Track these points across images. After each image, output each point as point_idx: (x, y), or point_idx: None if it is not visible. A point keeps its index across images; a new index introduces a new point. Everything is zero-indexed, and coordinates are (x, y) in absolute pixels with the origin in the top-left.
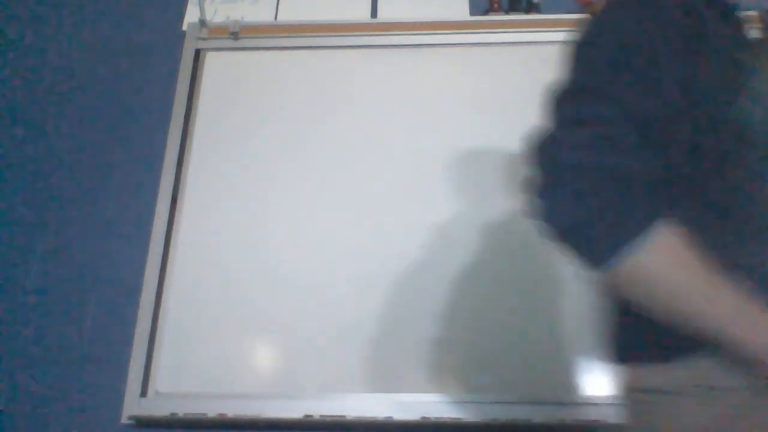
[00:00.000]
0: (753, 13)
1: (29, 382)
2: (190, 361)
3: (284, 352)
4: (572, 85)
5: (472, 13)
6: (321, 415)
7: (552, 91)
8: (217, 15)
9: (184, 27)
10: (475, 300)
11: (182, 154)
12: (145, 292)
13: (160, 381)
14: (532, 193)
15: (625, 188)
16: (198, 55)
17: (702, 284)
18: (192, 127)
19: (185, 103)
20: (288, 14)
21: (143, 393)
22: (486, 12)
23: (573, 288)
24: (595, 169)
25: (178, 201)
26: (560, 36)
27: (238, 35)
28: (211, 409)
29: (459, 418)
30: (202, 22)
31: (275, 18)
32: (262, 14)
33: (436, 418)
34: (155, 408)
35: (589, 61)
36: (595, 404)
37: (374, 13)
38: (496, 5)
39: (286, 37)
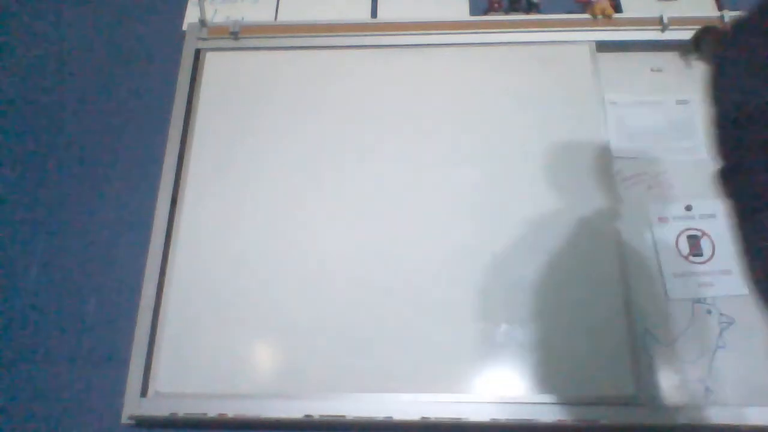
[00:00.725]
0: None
1: (29, 382)
2: (190, 361)
3: (284, 352)
4: (758, 106)
5: (472, 13)
6: (321, 415)
7: (726, 113)
8: (217, 15)
9: (184, 27)
10: (475, 300)
11: (182, 154)
12: (145, 292)
13: (160, 381)
14: (733, 215)
15: None
16: (198, 55)
17: None
18: (192, 127)
19: (185, 103)
20: (288, 14)
21: (143, 393)
22: (486, 12)
23: (574, 287)
24: None
25: (178, 201)
26: (560, 36)
27: (238, 35)
28: (211, 409)
29: (459, 418)
30: (202, 22)
31: (275, 18)
32: (262, 14)
33: (436, 418)
34: (155, 408)
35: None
36: (596, 404)
37: (374, 13)
38: (496, 5)
39: (286, 37)
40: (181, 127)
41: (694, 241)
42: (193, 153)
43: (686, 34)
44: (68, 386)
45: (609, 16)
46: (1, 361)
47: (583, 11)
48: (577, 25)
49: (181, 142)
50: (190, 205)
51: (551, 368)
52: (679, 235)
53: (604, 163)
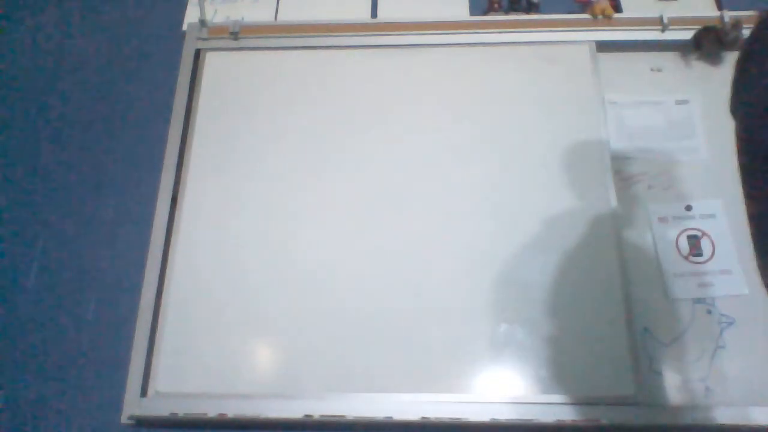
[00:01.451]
0: (751, 13)
1: (29, 382)
2: (190, 361)
3: (284, 352)
4: None
5: (472, 13)
6: (321, 415)
7: (753, 111)
8: (217, 15)
9: (184, 27)
10: (475, 300)
11: (182, 154)
12: (145, 292)
13: (160, 381)
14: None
15: None
16: (198, 55)
17: None
18: (192, 127)
19: (185, 103)
20: (288, 14)
21: (143, 393)
22: (486, 12)
23: (574, 287)
24: None
25: (178, 201)
26: (560, 36)
27: (238, 35)
28: (211, 409)
29: (459, 418)
30: (202, 22)
31: (275, 18)
32: (262, 14)
33: (436, 418)
34: (155, 408)
35: None
36: (596, 404)
37: (374, 13)
38: (496, 5)
39: (286, 37)
40: (181, 127)
41: (694, 241)
42: (193, 153)
43: (686, 34)
44: (68, 386)
45: (609, 16)
46: (2, 362)
47: (583, 11)
48: (577, 25)
49: (181, 142)
50: (190, 204)
51: (551, 368)
52: (679, 235)
53: (604, 163)
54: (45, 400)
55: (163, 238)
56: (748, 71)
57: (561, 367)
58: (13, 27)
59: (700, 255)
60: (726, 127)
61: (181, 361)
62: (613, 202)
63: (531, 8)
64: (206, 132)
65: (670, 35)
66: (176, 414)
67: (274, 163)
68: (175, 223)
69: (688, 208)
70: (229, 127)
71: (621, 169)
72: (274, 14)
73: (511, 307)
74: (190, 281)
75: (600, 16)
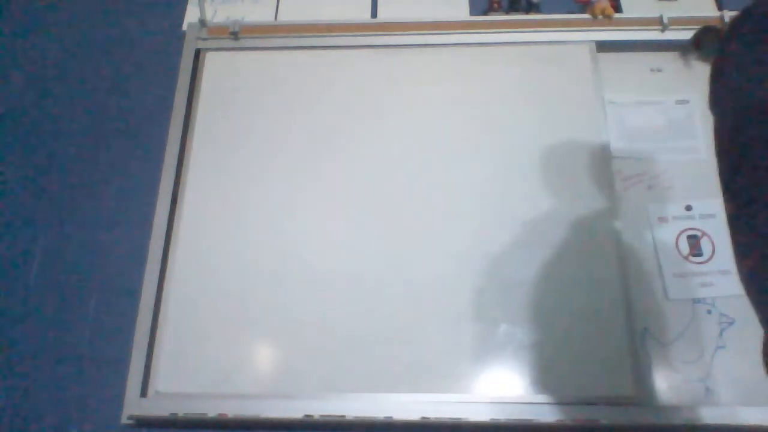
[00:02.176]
0: None
1: (29, 382)
2: (190, 361)
3: (284, 352)
4: (760, 101)
5: (472, 13)
6: (321, 415)
7: (728, 110)
8: (217, 15)
9: (184, 27)
10: (475, 300)
11: (182, 154)
12: (145, 292)
13: (160, 381)
14: (732, 214)
15: None
16: (198, 55)
17: None
18: (192, 127)
19: (185, 103)
20: (288, 14)
21: (143, 393)
22: (486, 12)
23: (574, 287)
24: None
25: (178, 201)
26: (560, 36)
27: (238, 35)
28: (211, 409)
29: (459, 418)
30: (202, 22)
31: (275, 18)
32: (262, 14)
33: (436, 418)
34: (155, 408)
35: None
36: (596, 404)
37: (374, 13)
38: (496, 5)
39: (286, 37)
40: (181, 127)
41: (694, 241)
42: (193, 153)
43: (686, 34)
44: (68, 386)
45: (609, 16)
46: (2, 361)
47: (583, 11)
48: (577, 25)
49: (181, 142)
50: (190, 204)
51: (551, 368)
52: (679, 235)
53: (604, 163)
54: (45, 400)
55: (163, 238)
56: (723, 70)
57: (561, 367)
58: (12, 27)
59: (700, 255)
60: None
61: (181, 361)
62: (613, 202)
63: (531, 8)
64: (206, 132)
65: (670, 35)
66: (176, 414)
67: (274, 163)
68: (175, 223)
69: (688, 208)
70: (229, 127)
71: (621, 169)
72: (274, 14)
73: (512, 307)
74: (190, 281)
75: (600, 16)
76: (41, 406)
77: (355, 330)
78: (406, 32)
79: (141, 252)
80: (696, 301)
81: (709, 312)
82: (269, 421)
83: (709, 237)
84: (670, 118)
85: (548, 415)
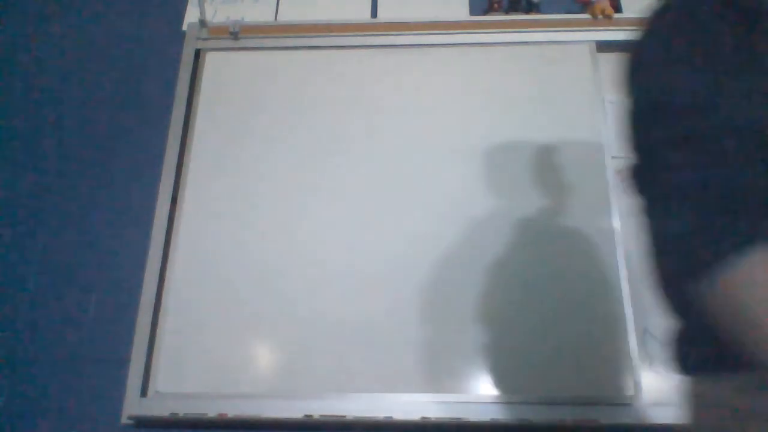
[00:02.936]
0: None
1: (29, 382)
2: (190, 361)
3: (284, 352)
4: (667, 101)
5: (472, 13)
6: (321, 415)
7: (638, 108)
8: (217, 15)
9: (184, 27)
10: (476, 300)
11: (182, 154)
12: (145, 292)
13: (160, 381)
14: (642, 212)
15: (729, 204)
16: (198, 55)
17: None
18: (192, 127)
19: (185, 103)
20: (288, 14)
21: (143, 393)
22: (486, 12)
23: (574, 288)
24: (701, 187)
25: (178, 201)
26: (560, 36)
27: (238, 35)
28: (211, 409)
29: (459, 418)
30: (202, 22)
31: (275, 18)
32: (262, 14)
33: (436, 418)
34: (155, 408)
35: (675, 73)
36: (596, 404)
37: (374, 13)
38: (496, 5)
39: (286, 37)
40: (181, 127)
41: None
42: (193, 153)
43: None
44: (68, 386)
45: (609, 16)
46: (2, 361)
47: (583, 11)
48: (577, 25)
49: (181, 142)
50: (190, 204)
51: (552, 368)
52: None
53: (604, 163)
54: (45, 400)
55: (163, 238)
56: (636, 65)
57: (561, 368)
58: (13, 28)
59: None
60: None
61: (181, 361)
62: (613, 201)
63: (531, 8)
64: (206, 132)
65: None
66: (176, 414)
67: (274, 163)
68: (175, 223)
69: None
70: (229, 127)
71: (621, 169)
72: (274, 14)
73: (512, 307)
74: (190, 281)
75: (600, 16)
76: (41, 406)
77: (355, 330)
78: (406, 32)
79: (141, 252)
80: None
81: None
82: (269, 421)
83: None
84: None
85: (548, 415)
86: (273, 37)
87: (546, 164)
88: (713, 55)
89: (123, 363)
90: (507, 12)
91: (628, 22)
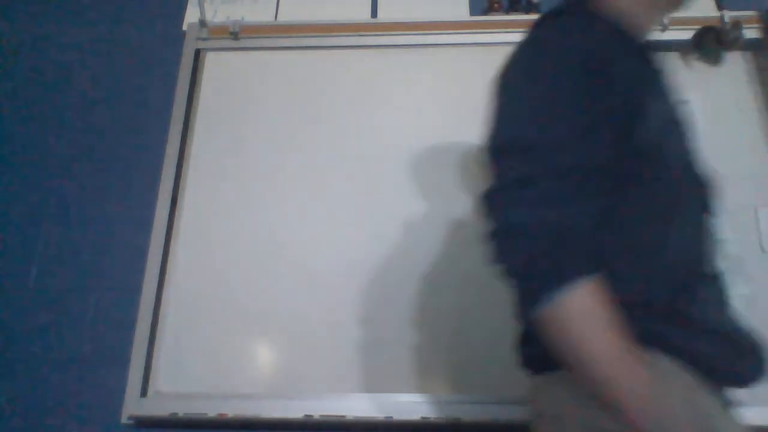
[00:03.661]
0: (751, 13)
1: (29, 382)
2: (190, 361)
3: (284, 352)
4: (507, 140)
5: (472, 13)
6: (321, 415)
7: (488, 139)
8: (217, 15)
9: (184, 27)
10: (476, 300)
11: (182, 154)
12: (145, 292)
13: (160, 381)
14: (487, 238)
15: (557, 243)
16: (198, 55)
17: (610, 344)
18: (192, 127)
19: (185, 103)
20: (288, 14)
21: (143, 393)
22: (486, 12)
23: None
24: (533, 226)
25: (178, 201)
26: None
27: (238, 35)
28: (211, 409)
29: (459, 418)
30: (202, 22)
31: (275, 18)
32: (262, 14)
33: (436, 418)
34: (155, 408)
35: (519, 112)
36: None
37: (374, 13)
38: (496, 5)
39: (286, 37)
40: (181, 127)
41: None
42: (193, 153)
43: (686, 34)
44: (68, 386)
45: None
46: (2, 361)
47: None
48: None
49: (181, 142)
50: (190, 205)
51: None
52: None
53: None
54: (45, 400)
55: (163, 238)
56: (498, 91)
57: None
58: (12, 28)
59: None
60: (726, 127)
61: (181, 361)
62: None
63: (531, 8)
64: (206, 132)
65: (670, 35)
66: (176, 414)
67: (274, 163)
68: (175, 224)
69: None
70: (229, 127)
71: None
72: (274, 14)
73: (512, 307)
74: (190, 281)
75: None
76: (41, 406)
77: (355, 330)
78: (406, 32)
79: (141, 252)
80: None
81: None
82: (269, 421)
83: None
84: None
85: None
86: (273, 37)
87: None
88: (557, 100)
89: (123, 363)
90: (507, 12)
91: None
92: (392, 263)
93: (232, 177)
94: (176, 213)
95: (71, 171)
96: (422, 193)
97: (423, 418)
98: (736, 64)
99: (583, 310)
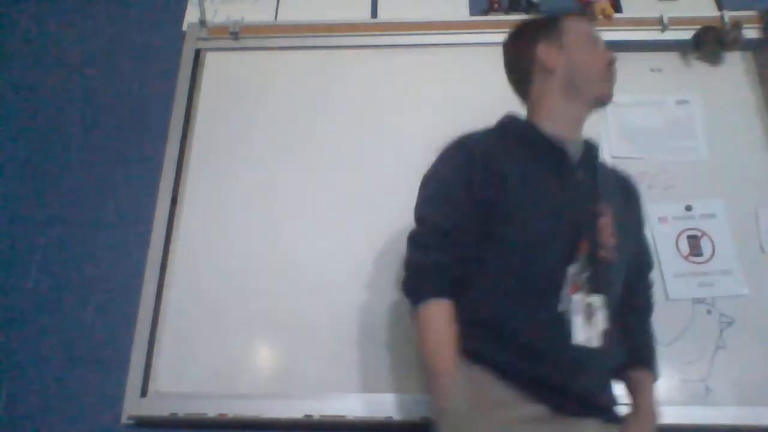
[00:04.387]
0: (752, 13)
1: (29, 382)
2: (190, 361)
3: (284, 352)
4: (416, 206)
5: (472, 13)
6: (321, 415)
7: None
8: (217, 15)
9: (184, 27)
10: None
11: (182, 154)
12: (145, 292)
13: (160, 381)
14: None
15: (425, 273)
16: (198, 55)
17: (435, 345)
18: (192, 127)
19: (185, 103)
20: (288, 14)
21: (143, 393)
22: (486, 12)
23: None
24: (415, 262)
25: (178, 201)
26: None
27: (238, 35)
28: (211, 409)
29: None
30: (202, 22)
31: (275, 18)
32: (262, 14)
33: None
34: (155, 408)
35: (422, 189)
36: None
37: (374, 13)
38: (496, 5)
39: (286, 37)
40: (181, 127)
41: (694, 241)
42: (193, 153)
43: (686, 34)
44: (68, 386)
45: (609, 16)
46: (2, 361)
47: (583, 11)
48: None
49: (181, 142)
50: (190, 205)
51: None
52: (679, 235)
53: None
54: (45, 400)
55: (163, 239)
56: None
57: None
58: (13, 28)
59: (700, 255)
60: (726, 127)
61: (181, 361)
62: None
63: (531, 8)
64: (206, 132)
65: (670, 35)
66: (176, 414)
67: (273, 163)
68: (175, 224)
69: (688, 208)
70: (229, 127)
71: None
72: (274, 14)
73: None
74: (190, 282)
75: (600, 16)
76: (41, 407)
77: (355, 330)
78: (406, 32)
79: (141, 252)
80: (696, 301)
81: (709, 312)
82: (269, 421)
83: (709, 237)
84: (669, 118)
85: None
86: (273, 37)
87: None
88: (445, 179)
89: (123, 363)
90: (507, 12)
91: (628, 22)
92: (392, 263)
93: (232, 177)
94: (176, 213)
95: (71, 171)
96: None
97: (423, 418)
98: (736, 64)
99: (427, 319)
